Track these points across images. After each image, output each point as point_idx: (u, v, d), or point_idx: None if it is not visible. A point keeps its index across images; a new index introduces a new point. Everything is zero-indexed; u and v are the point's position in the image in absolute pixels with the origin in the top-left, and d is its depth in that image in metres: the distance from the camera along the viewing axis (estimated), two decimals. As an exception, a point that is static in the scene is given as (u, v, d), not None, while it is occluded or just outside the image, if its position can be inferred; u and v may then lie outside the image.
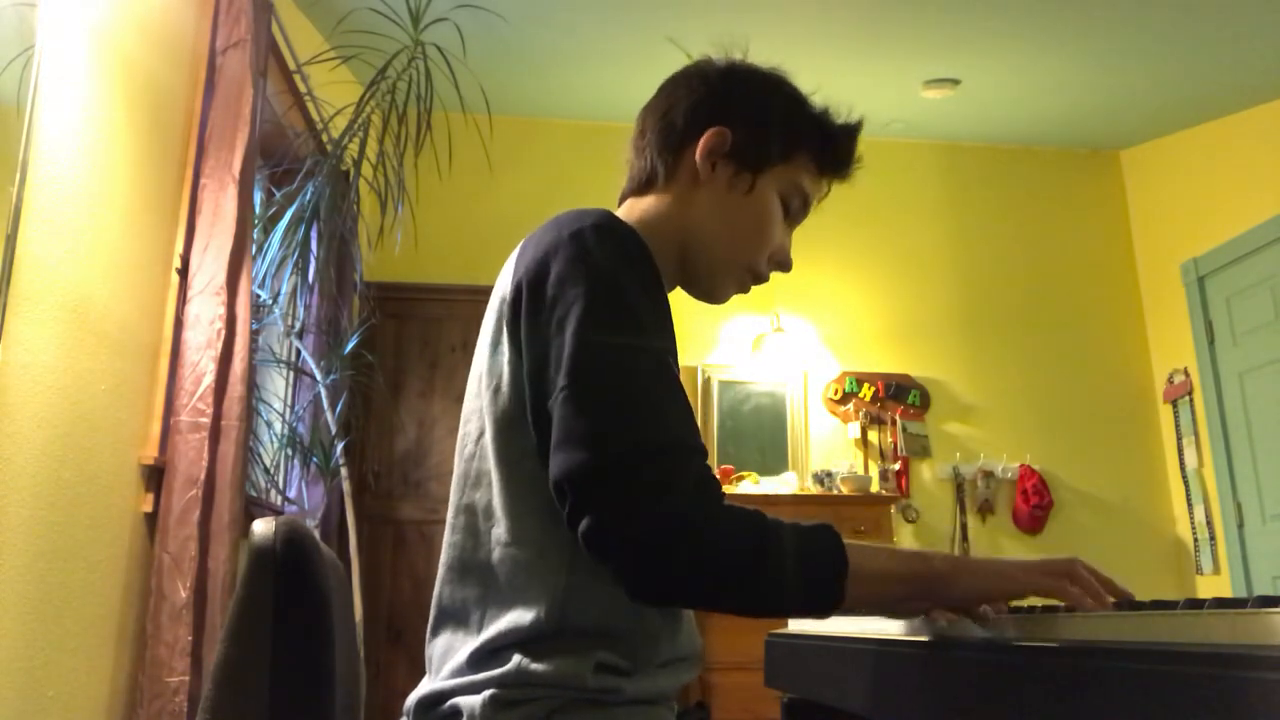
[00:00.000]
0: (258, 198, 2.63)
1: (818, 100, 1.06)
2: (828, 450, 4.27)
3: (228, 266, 2.16)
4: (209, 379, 2.07)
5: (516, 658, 0.83)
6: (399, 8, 2.77)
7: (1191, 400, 4.21)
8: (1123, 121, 4.42)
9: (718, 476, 0.84)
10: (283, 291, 2.90)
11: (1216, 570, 4.03)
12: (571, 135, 4.46)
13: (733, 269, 1.05)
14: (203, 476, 2.02)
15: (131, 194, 1.97)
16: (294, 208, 2.78)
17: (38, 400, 1.63)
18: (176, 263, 2.15)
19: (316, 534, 0.87)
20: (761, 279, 1.07)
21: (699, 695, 3.29)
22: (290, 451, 3.12)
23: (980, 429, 4.37)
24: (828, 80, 1.09)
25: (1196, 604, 0.64)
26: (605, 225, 0.89)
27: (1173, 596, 0.80)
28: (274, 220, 2.83)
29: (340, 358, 3.11)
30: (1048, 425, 4.37)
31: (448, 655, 0.89)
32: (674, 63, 1.10)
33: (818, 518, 0.86)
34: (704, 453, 0.83)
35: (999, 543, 4.25)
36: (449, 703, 0.85)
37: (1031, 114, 4.39)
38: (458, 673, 0.87)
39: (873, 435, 4.29)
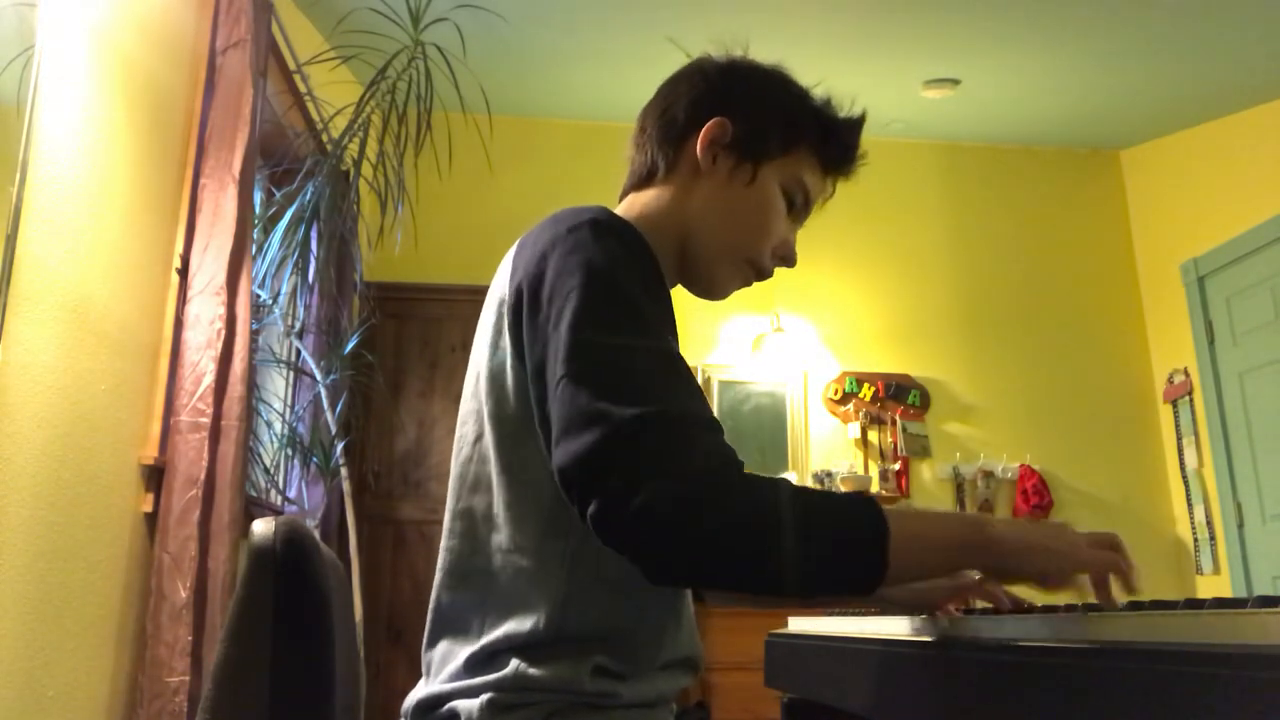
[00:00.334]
0: (258, 198, 2.63)
1: (820, 93, 1.06)
2: (828, 450, 4.27)
3: (228, 266, 2.16)
4: (209, 379, 2.07)
5: (514, 662, 0.83)
6: (399, 8, 2.77)
7: (1191, 400, 4.20)
8: (1123, 121, 4.42)
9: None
10: (283, 291, 2.90)
11: (1216, 570, 4.03)
12: (571, 135, 4.46)
13: (733, 261, 1.03)
14: (203, 476, 2.02)
15: (131, 194, 1.97)
16: (294, 208, 2.78)
17: (38, 400, 1.63)
18: (176, 263, 2.15)
19: (316, 534, 0.87)
20: (765, 273, 1.05)
21: (699, 695, 3.29)
22: (290, 451, 3.12)
23: (980, 429, 4.37)
24: (827, 80, 1.09)
25: (1196, 604, 0.64)
26: (603, 221, 0.87)
27: (1173, 596, 0.79)
28: (274, 220, 2.83)
29: (340, 358, 3.11)
30: (1048, 425, 4.37)
31: (446, 660, 0.89)
32: (673, 63, 1.10)
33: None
34: (719, 427, 0.78)
35: (999, 543, 4.24)
36: (447, 706, 0.85)
37: (1031, 114, 4.39)
38: (455, 676, 0.86)
39: (873, 435, 4.29)
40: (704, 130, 1.01)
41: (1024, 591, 0.94)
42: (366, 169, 2.86)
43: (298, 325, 3.08)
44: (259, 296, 2.71)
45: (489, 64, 3.67)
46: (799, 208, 1.05)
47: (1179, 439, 4.28)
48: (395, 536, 3.66)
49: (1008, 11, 3.52)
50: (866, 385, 4.32)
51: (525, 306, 0.85)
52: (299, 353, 3.15)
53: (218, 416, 2.10)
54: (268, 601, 0.77)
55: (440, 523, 0.97)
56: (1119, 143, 4.70)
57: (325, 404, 3.02)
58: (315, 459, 3.09)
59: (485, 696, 0.82)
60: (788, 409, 4.29)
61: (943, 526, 0.80)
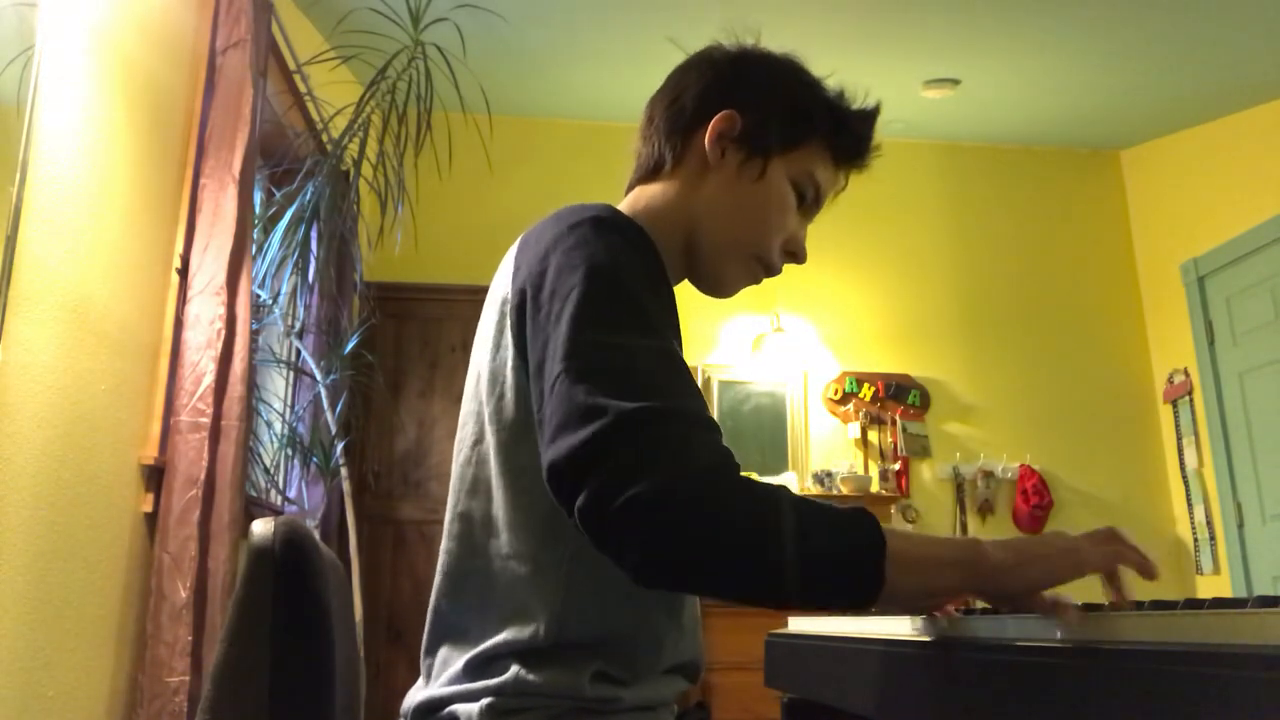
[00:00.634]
0: (258, 198, 2.63)
1: (832, 84, 1.02)
2: (828, 450, 4.27)
3: (228, 266, 2.16)
4: (209, 379, 2.07)
5: (514, 668, 0.82)
6: (399, 8, 2.77)
7: (1191, 400, 4.20)
8: (1123, 121, 4.42)
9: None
10: (283, 291, 2.90)
11: (1216, 570, 4.03)
12: (571, 135, 4.46)
13: (741, 258, 1.00)
14: (203, 476, 2.02)
15: (131, 194, 1.97)
16: (294, 208, 2.78)
17: (38, 400, 1.63)
18: (176, 263, 2.15)
19: (316, 534, 0.87)
20: (773, 270, 1.02)
21: (699, 695, 3.29)
22: (290, 451, 3.12)
23: (980, 429, 4.37)
24: (827, 79, 1.07)
25: (1196, 604, 0.64)
26: (606, 218, 0.86)
27: (1173, 596, 0.79)
28: (274, 220, 2.83)
29: (340, 358, 3.11)
30: (1048, 425, 4.37)
31: (446, 664, 0.88)
32: (673, 63, 1.07)
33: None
34: (716, 427, 0.75)
35: (999, 543, 4.24)
36: (446, 710, 0.85)
37: (1031, 114, 4.39)
38: (454, 680, 0.86)
39: (873, 435, 4.29)
40: (712, 123, 0.98)
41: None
42: (366, 169, 2.86)
43: (298, 325, 3.08)
44: (259, 296, 2.71)
45: (489, 64, 3.67)
46: (810, 202, 1.01)
47: (1179, 439, 4.28)
48: (395, 536, 3.66)
49: (1008, 11, 3.52)
50: (866, 385, 4.32)
51: (528, 306, 0.83)
52: (299, 353, 3.15)
53: (218, 416, 2.10)
54: (267, 601, 0.77)
55: (440, 523, 0.96)
56: (1119, 143, 4.70)
57: (325, 404, 3.02)
58: (315, 459, 3.09)
59: (485, 701, 0.82)
60: (788, 409, 4.29)
61: (939, 546, 0.78)
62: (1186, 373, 4.24)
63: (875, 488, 4.15)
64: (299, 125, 3.11)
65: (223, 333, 2.11)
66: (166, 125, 2.14)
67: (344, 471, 3.00)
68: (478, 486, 0.89)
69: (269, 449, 2.99)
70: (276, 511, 2.92)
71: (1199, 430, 4.15)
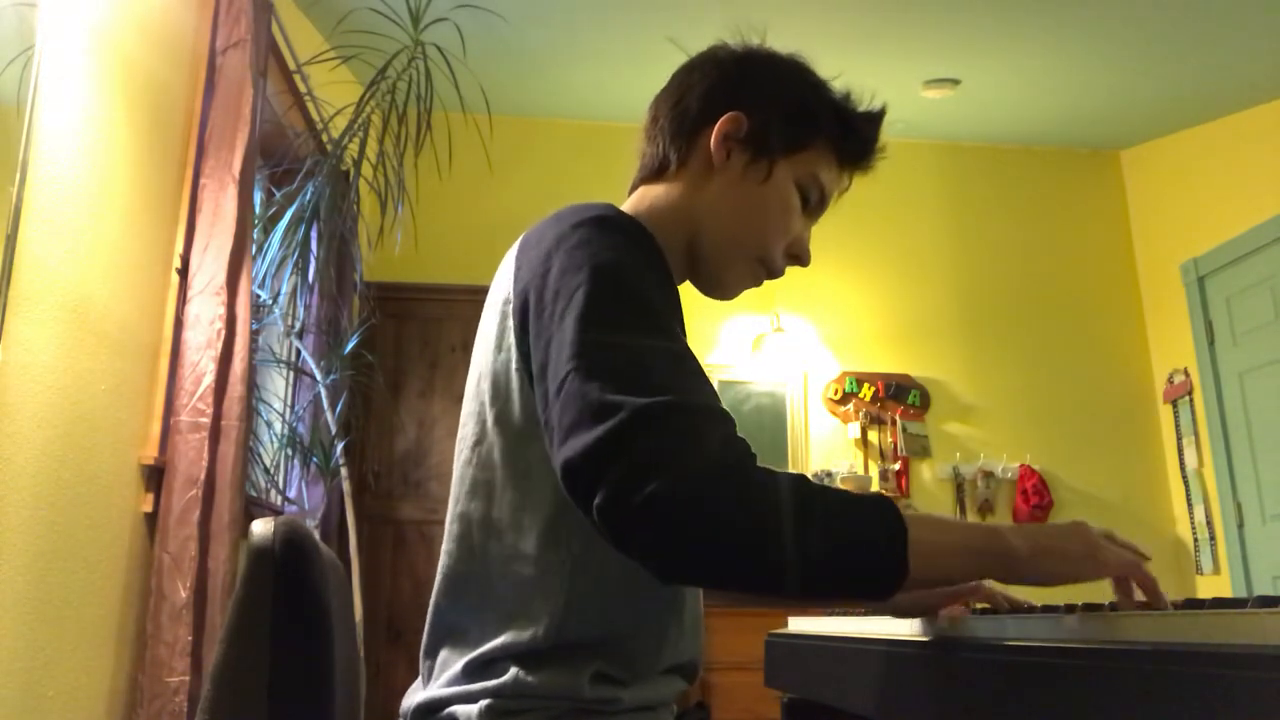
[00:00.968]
0: (258, 198, 2.63)
1: (838, 86, 1.02)
2: (828, 450, 4.27)
3: (228, 266, 2.16)
4: (209, 379, 2.07)
5: (513, 669, 0.82)
6: (399, 8, 2.77)
7: (1191, 400, 4.20)
8: (1123, 121, 4.42)
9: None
10: (283, 291, 2.90)
11: (1216, 570, 4.03)
12: (571, 135, 4.46)
13: (744, 260, 1.00)
14: (203, 476, 2.02)
15: (131, 194, 1.97)
16: (294, 208, 2.78)
17: (38, 400, 1.63)
18: (176, 263, 2.15)
19: (316, 534, 0.87)
20: (775, 272, 1.02)
21: (699, 695, 3.29)
22: (290, 451, 3.12)
23: (980, 429, 4.37)
24: (834, 81, 1.07)
25: (1196, 604, 0.64)
26: (609, 218, 0.86)
27: (1173, 596, 0.79)
28: (274, 220, 2.83)
29: (340, 358, 3.11)
30: (1048, 425, 4.37)
31: (445, 665, 0.88)
32: (673, 63, 1.07)
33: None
34: (730, 419, 0.75)
35: (999, 543, 4.24)
36: (445, 711, 0.84)
37: (1031, 114, 4.39)
38: (454, 681, 0.86)
39: (873, 435, 4.29)
40: (718, 125, 0.97)
41: (1024, 592, 0.94)
42: (366, 169, 2.86)
43: (298, 325, 3.08)
44: (259, 296, 2.71)
45: (489, 64, 3.67)
46: (814, 205, 1.01)
47: (1179, 439, 4.28)
48: (395, 536, 3.66)
49: (1008, 11, 3.52)
50: (866, 385, 4.32)
51: (531, 306, 0.83)
52: (299, 353, 3.15)
53: (218, 416, 2.10)
54: (267, 602, 0.77)
55: (441, 522, 0.96)
56: (1119, 143, 4.70)
57: (325, 404, 3.03)
58: (315, 459, 3.09)
59: (484, 702, 0.82)
60: (788, 409, 4.29)
61: (960, 532, 0.76)
62: (1186, 373, 4.24)
63: (875, 488, 4.15)
64: (299, 125, 3.11)
65: (223, 333, 2.11)
66: (166, 125, 2.14)
67: (344, 471, 3.00)
68: (477, 488, 0.89)
69: (269, 449, 2.99)
70: (276, 511, 2.92)
71: (1199, 430, 4.15)
